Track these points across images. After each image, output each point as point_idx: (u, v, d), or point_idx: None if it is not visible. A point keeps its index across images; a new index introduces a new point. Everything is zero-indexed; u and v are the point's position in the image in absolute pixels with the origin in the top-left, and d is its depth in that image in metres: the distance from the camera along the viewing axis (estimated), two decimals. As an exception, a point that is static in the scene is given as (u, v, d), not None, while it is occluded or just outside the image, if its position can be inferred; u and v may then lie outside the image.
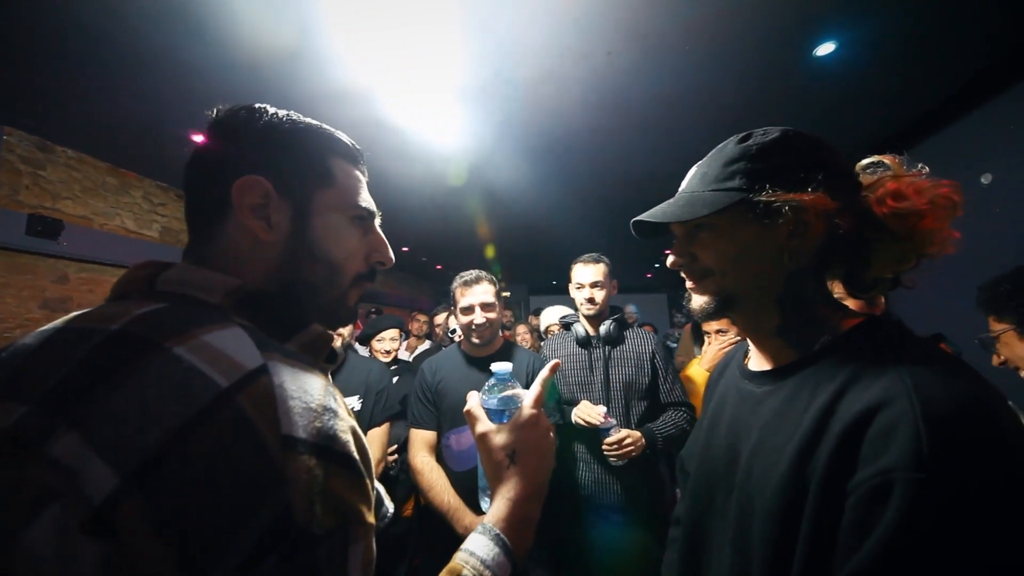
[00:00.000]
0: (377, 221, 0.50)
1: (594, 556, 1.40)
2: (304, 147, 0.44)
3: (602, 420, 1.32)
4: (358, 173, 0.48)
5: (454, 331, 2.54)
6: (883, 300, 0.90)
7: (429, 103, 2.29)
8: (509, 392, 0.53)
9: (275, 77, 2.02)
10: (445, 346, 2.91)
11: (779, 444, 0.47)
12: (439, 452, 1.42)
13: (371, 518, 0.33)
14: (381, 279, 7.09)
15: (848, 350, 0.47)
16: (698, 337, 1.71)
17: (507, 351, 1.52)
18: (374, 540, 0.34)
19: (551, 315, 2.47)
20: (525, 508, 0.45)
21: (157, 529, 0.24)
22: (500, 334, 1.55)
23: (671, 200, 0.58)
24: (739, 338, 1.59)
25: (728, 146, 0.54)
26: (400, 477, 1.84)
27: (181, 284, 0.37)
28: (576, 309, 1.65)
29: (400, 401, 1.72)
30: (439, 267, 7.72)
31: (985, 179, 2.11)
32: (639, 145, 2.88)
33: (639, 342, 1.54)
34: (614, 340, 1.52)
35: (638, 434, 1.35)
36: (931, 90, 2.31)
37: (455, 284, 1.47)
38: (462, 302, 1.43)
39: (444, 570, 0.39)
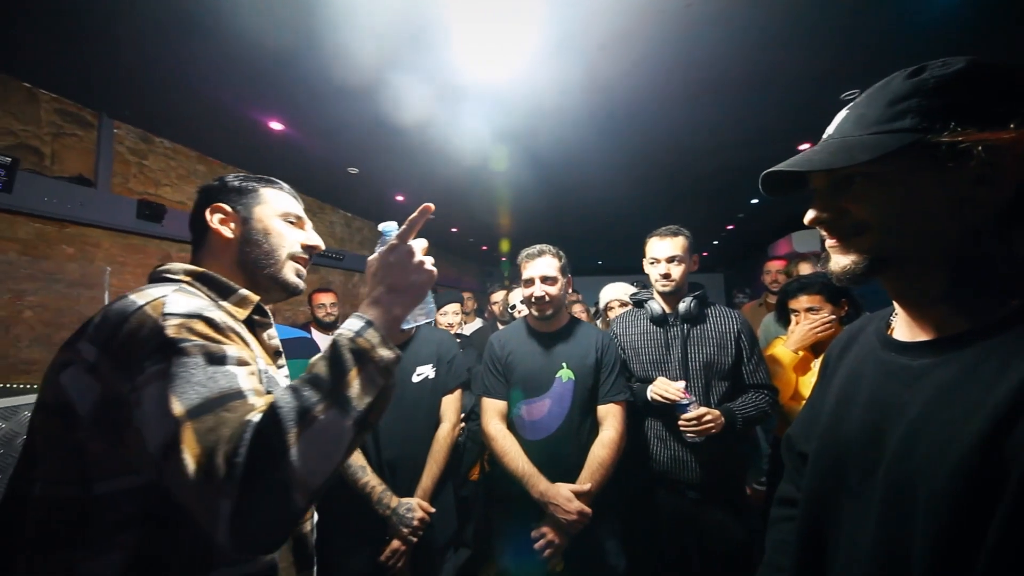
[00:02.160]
0: (308, 223, 0.82)
1: (668, 530, 1.40)
2: (245, 184, 0.77)
3: (681, 395, 1.29)
4: (284, 194, 0.80)
5: (514, 306, 2.57)
6: None
7: (483, 81, 2.25)
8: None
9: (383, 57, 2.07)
10: (504, 322, 2.96)
11: (954, 421, 0.42)
12: (510, 422, 1.47)
13: (235, 350, 0.57)
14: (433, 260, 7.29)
15: None
16: (783, 316, 1.59)
17: (572, 327, 1.51)
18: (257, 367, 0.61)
19: (611, 292, 2.40)
20: (380, 300, 0.61)
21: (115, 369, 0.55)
22: (566, 310, 1.54)
23: (815, 148, 0.51)
24: (832, 317, 1.46)
25: (894, 82, 0.47)
26: (467, 444, 1.93)
27: (165, 272, 0.70)
28: (636, 288, 1.59)
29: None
30: (484, 248, 7.79)
31: None
32: (711, 112, 2.66)
33: (723, 320, 1.46)
34: (694, 318, 1.45)
35: (717, 412, 1.31)
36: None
37: (520, 257, 1.48)
38: (524, 274, 1.45)
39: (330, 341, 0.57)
